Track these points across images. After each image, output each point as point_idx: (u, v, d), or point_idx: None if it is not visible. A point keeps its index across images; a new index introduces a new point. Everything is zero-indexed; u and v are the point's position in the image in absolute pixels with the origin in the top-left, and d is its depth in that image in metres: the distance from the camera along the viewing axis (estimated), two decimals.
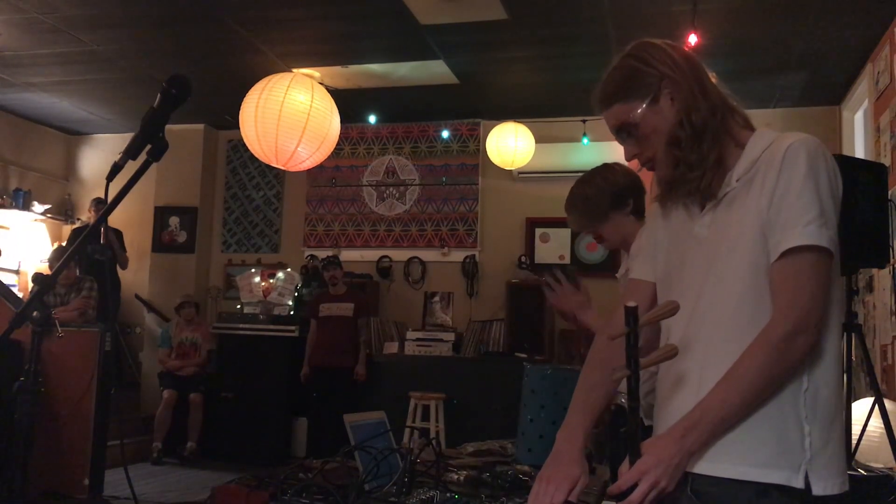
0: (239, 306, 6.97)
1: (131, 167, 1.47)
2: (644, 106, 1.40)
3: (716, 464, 1.30)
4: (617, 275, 2.29)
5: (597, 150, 6.53)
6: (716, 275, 1.37)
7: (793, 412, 1.30)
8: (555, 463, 1.44)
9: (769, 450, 1.28)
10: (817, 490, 1.27)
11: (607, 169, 2.25)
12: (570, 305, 2.24)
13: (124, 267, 7.03)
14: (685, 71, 1.40)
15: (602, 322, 2.07)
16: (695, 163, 1.38)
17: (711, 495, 1.31)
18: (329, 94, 4.70)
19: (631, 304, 1.23)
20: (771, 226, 1.31)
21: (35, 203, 7.50)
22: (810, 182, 1.30)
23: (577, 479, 1.40)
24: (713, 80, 1.44)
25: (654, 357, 1.27)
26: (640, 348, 1.23)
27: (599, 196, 2.17)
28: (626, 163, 1.66)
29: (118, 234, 7.13)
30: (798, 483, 1.27)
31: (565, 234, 6.87)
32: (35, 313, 1.43)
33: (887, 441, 3.30)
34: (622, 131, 1.45)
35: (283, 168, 4.69)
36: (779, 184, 1.31)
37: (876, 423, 3.45)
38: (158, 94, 1.46)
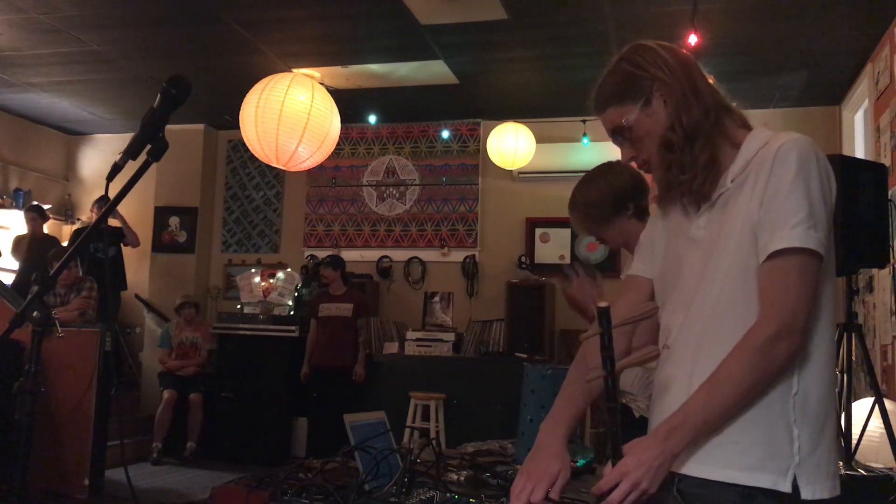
0: (239, 306, 6.97)
1: (131, 167, 1.47)
2: (637, 109, 1.40)
3: (703, 465, 1.30)
4: (622, 276, 2.29)
5: (597, 150, 6.53)
6: (709, 276, 1.36)
7: (782, 416, 1.29)
8: (536, 457, 1.43)
9: (757, 453, 1.28)
10: (806, 494, 1.26)
11: (610, 170, 2.19)
12: (584, 297, 2.25)
13: (136, 245, 7.07)
14: (677, 73, 1.39)
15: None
16: (687, 165, 1.38)
17: (697, 497, 1.31)
18: (329, 94, 4.70)
19: (602, 304, 1.21)
20: (760, 227, 1.30)
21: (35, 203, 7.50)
22: (800, 183, 1.28)
23: (557, 476, 1.39)
24: (710, 80, 1.43)
25: (633, 358, 1.26)
26: (614, 349, 1.21)
27: (601, 201, 2.12)
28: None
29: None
30: (785, 487, 1.26)
31: (565, 234, 6.87)
32: (35, 313, 1.43)
33: (887, 441, 3.30)
34: (617, 135, 1.46)
35: (283, 168, 4.69)
36: (769, 185, 1.30)
37: (876, 423, 3.46)
38: (158, 94, 1.46)
